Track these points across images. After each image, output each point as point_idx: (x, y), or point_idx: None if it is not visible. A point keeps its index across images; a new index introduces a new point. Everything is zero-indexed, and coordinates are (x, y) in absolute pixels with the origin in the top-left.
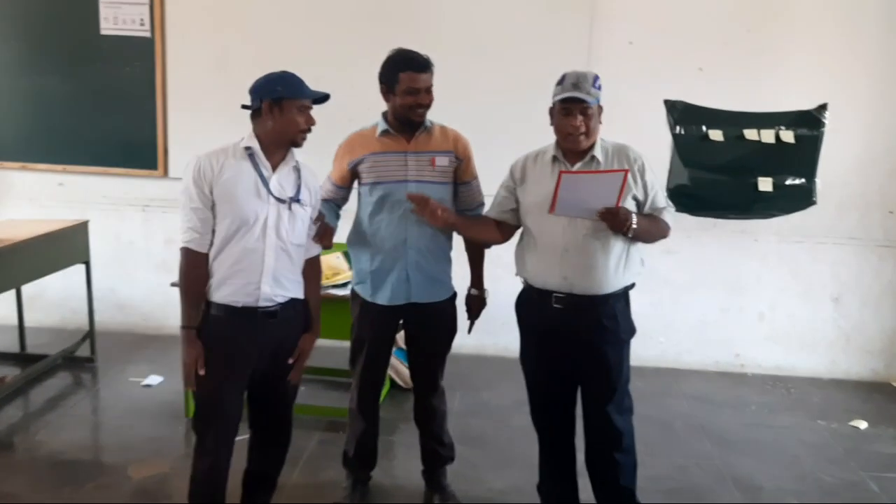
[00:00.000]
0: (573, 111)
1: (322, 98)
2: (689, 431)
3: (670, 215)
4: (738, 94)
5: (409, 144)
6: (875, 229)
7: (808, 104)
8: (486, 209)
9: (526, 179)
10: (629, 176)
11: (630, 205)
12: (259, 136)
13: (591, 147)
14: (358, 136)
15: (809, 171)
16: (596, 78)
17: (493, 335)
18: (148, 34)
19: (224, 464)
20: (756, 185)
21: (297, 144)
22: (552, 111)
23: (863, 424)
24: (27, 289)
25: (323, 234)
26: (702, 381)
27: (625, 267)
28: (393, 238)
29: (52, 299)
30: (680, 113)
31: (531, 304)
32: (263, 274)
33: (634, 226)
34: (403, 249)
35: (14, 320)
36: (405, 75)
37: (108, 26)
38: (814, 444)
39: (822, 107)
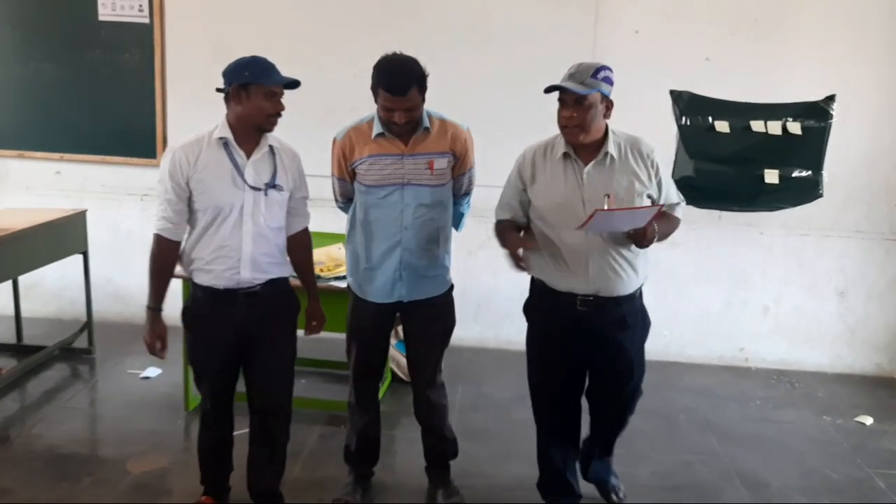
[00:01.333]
0: (567, 102)
1: (292, 84)
2: (694, 426)
3: (681, 209)
4: (745, 85)
5: (407, 147)
6: (881, 223)
7: (815, 95)
8: (472, 198)
9: (536, 179)
10: (645, 172)
11: (644, 203)
12: (230, 122)
13: (604, 142)
14: (355, 133)
15: (816, 163)
16: (600, 69)
17: (495, 328)
18: (146, 20)
19: (220, 430)
20: (762, 177)
21: (266, 129)
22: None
23: (868, 420)
24: (24, 279)
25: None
26: (705, 375)
27: (643, 265)
28: (387, 239)
29: (50, 289)
30: (686, 103)
31: (552, 302)
32: (242, 261)
33: (656, 238)
34: (397, 251)
35: (11, 311)
36: (383, 93)
37: (105, 12)
38: (819, 440)
39: (830, 98)
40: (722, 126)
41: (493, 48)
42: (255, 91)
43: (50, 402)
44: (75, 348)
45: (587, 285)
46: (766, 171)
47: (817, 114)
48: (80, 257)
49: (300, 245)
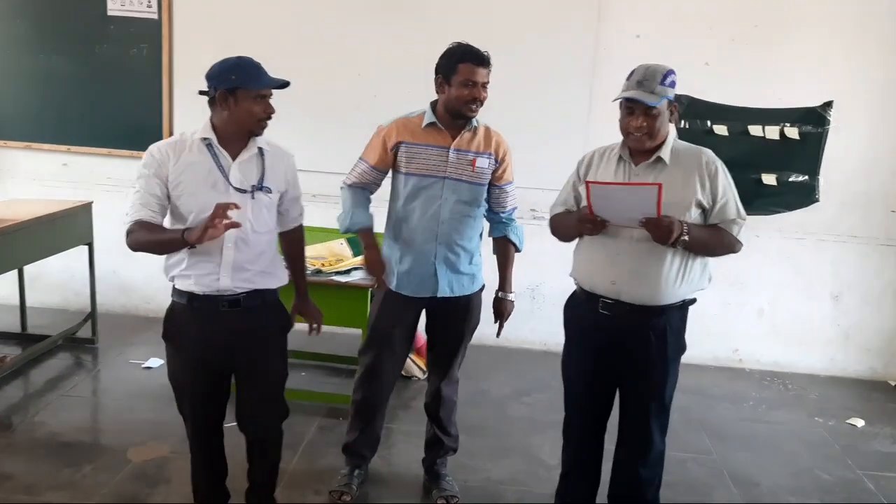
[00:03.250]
0: (634, 110)
1: (281, 85)
2: (687, 425)
3: (742, 229)
4: (744, 90)
5: (454, 141)
6: (877, 228)
7: (813, 101)
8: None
9: (588, 176)
10: (698, 179)
11: (693, 212)
12: (215, 126)
13: (659, 147)
14: (404, 122)
15: (813, 168)
16: (667, 74)
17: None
18: (155, 15)
19: (209, 445)
20: (759, 180)
21: (256, 134)
22: (620, 105)
23: (860, 422)
24: (29, 269)
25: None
26: (700, 375)
27: (682, 279)
28: (424, 232)
29: (55, 280)
30: (685, 107)
31: (579, 306)
32: (222, 266)
33: (685, 237)
34: (434, 244)
35: (16, 300)
36: (464, 67)
37: (115, 7)
38: (811, 442)
39: (828, 104)
40: (720, 130)
41: (496, 51)
42: (243, 96)
43: (53, 391)
44: (79, 338)
45: (610, 285)
46: (764, 175)
47: (815, 119)
48: (85, 248)
49: (291, 239)
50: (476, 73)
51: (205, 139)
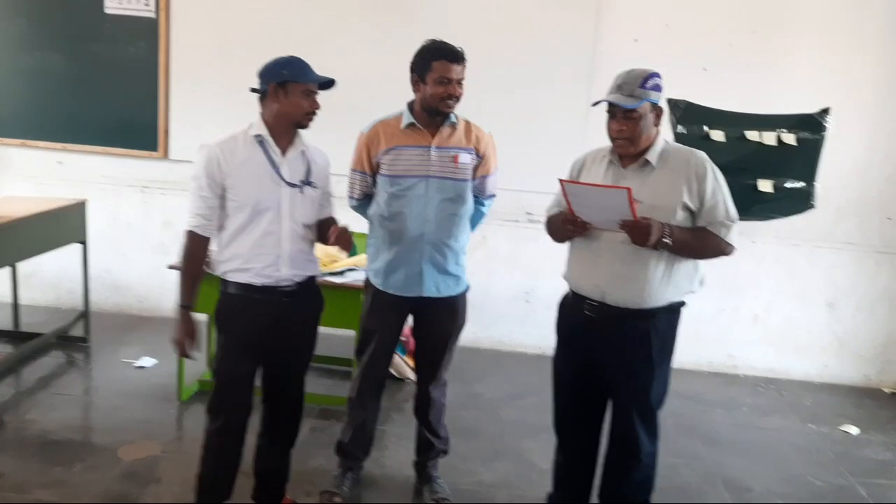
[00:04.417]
0: (615, 114)
1: (327, 83)
2: (681, 430)
3: (732, 231)
4: (741, 96)
5: (434, 139)
6: (872, 235)
7: (810, 107)
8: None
9: (580, 177)
10: (685, 182)
11: (679, 214)
12: (266, 121)
13: (646, 150)
14: (382, 127)
15: (809, 174)
16: (649, 78)
17: (487, 328)
18: (152, 14)
19: (238, 440)
20: (756, 186)
21: (303, 126)
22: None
23: (853, 429)
24: (23, 266)
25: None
26: (694, 381)
27: (668, 282)
28: (410, 231)
29: (48, 278)
30: (682, 112)
31: (567, 307)
32: (281, 258)
33: (666, 240)
34: (420, 244)
35: (8, 298)
36: (438, 64)
37: (112, 5)
38: (804, 448)
39: (825, 111)
40: (717, 135)
41: (494, 55)
42: (292, 89)
43: (44, 389)
44: (71, 336)
45: (594, 288)
46: (760, 180)
47: (812, 126)
48: (79, 247)
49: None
50: (450, 70)
51: (258, 136)
